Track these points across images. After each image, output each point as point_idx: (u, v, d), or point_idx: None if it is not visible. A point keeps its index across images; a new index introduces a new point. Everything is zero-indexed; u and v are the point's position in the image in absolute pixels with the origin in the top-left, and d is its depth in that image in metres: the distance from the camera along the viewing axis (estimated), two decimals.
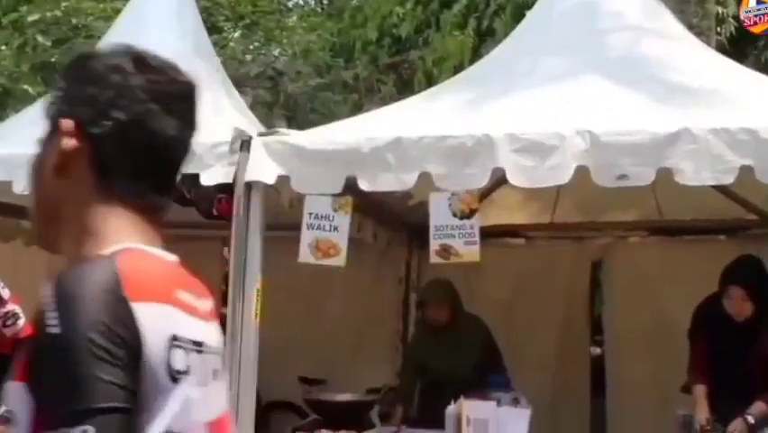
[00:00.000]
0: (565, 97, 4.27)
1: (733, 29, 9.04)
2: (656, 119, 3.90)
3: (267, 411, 6.29)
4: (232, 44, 9.53)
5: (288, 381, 6.30)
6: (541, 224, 6.80)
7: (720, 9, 8.67)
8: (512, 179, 3.95)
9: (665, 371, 5.84)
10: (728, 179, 3.71)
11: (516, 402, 4.48)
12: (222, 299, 7.21)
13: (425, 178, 4.10)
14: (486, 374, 4.98)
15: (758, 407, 4.20)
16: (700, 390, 4.39)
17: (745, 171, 3.74)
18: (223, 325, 4.38)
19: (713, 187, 5.59)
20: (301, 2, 18.62)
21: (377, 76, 8.93)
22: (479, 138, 3.97)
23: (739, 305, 4.37)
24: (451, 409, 4.37)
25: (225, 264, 8.11)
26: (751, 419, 4.18)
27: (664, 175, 3.88)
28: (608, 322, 6.93)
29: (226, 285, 7.00)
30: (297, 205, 4.51)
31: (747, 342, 4.36)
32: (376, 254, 6.71)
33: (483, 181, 3.98)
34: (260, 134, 4.38)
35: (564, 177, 3.86)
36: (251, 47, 9.77)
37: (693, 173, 3.73)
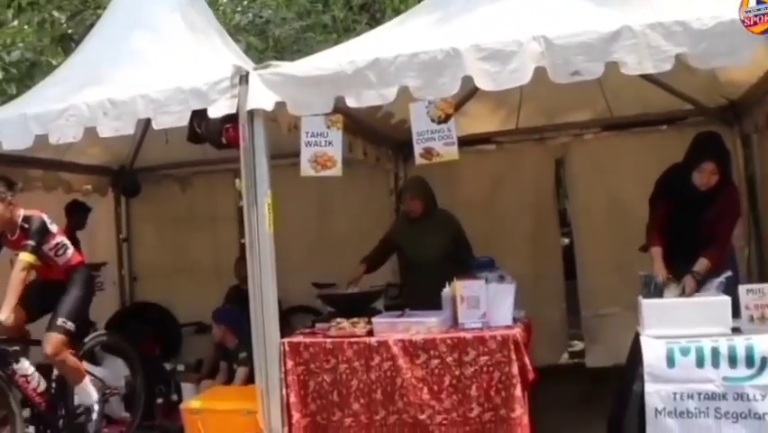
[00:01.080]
0: (520, 9, 4.21)
1: None
2: (600, 20, 3.86)
3: (288, 315, 6.38)
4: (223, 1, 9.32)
5: (303, 288, 6.37)
6: (508, 130, 6.79)
7: None
8: (479, 83, 3.93)
9: (624, 249, 5.91)
10: (666, 67, 3.69)
11: (501, 279, 4.53)
12: (239, 231, 7.36)
13: (403, 91, 4.10)
14: (457, 259, 5.07)
15: (702, 263, 4.22)
16: (657, 251, 4.38)
17: (680, 60, 3.73)
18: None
19: (653, 82, 5.65)
20: None
21: (352, 17, 8.81)
22: (447, 51, 3.95)
23: (708, 177, 4.30)
24: (446, 291, 4.44)
25: (238, 195, 8.20)
26: (698, 276, 4.21)
27: (611, 74, 3.87)
28: (573, 213, 6.98)
29: (240, 218, 7.13)
30: (293, 129, 4.50)
31: (702, 209, 4.34)
32: (367, 170, 6.73)
33: (455, 89, 3.97)
34: (256, 68, 4.34)
35: (525, 78, 3.85)
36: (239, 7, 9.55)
37: (636, 64, 3.72)
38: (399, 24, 4.80)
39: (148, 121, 4.52)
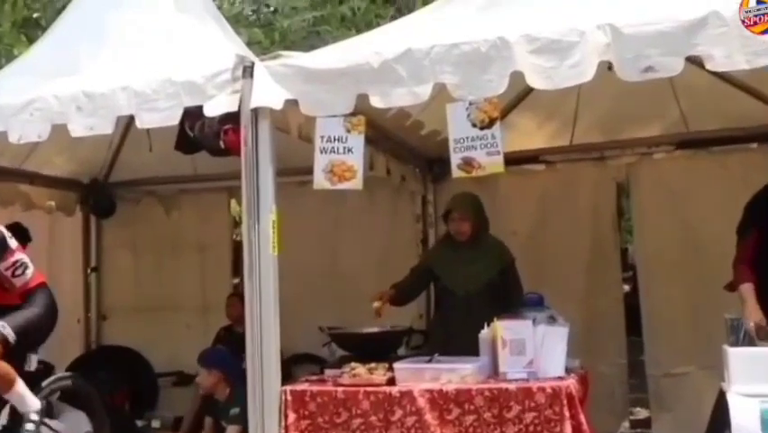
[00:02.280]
0: None
1: None
2: (680, 6, 3.85)
3: (289, 364, 6.34)
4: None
5: (309, 333, 6.33)
6: (560, 147, 6.78)
7: None
8: (531, 81, 3.93)
9: (702, 295, 5.85)
10: (763, 62, 3.66)
11: (552, 321, 4.49)
12: (233, 267, 7.35)
13: (439, 90, 4.10)
14: (502, 298, 5.05)
15: None
16: (748, 289, 4.31)
17: None
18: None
19: (740, 87, 5.62)
20: None
21: (375, 10, 8.88)
22: (493, 42, 3.95)
23: None
24: (484, 333, 4.41)
25: (233, 221, 8.23)
26: None
27: (689, 76, 3.84)
28: (639, 248, 6.92)
29: (234, 248, 7.13)
30: (305, 133, 4.52)
31: None
32: (390, 191, 6.74)
33: (502, 87, 3.96)
34: (263, 59, 4.36)
35: (587, 74, 3.84)
36: None
37: (724, 58, 3.69)
38: (435, 11, 4.83)
39: (129, 121, 4.55)
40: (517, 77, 3.95)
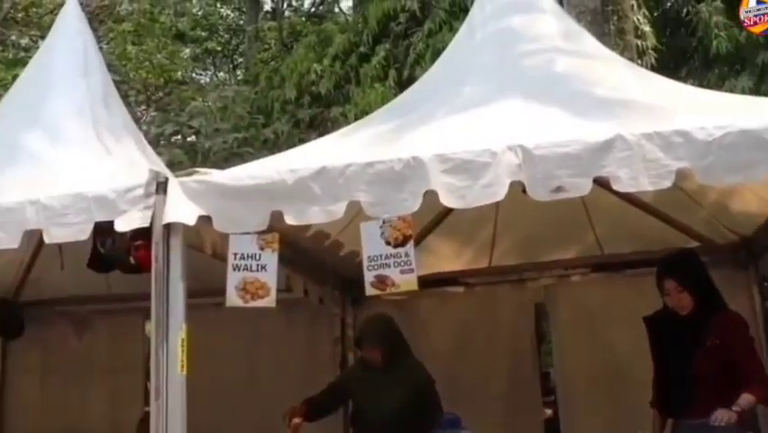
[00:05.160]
0: (493, 118, 4.34)
1: (653, 60, 9.43)
2: (587, 130, 3.97)
3: None
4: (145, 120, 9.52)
5: None
6: (479, 268, 6.83)
7: (640, 42, 9.04)
8: (445, 200, 3.96)
9: (620, 417, 5.85)
10: (666, 183, 3.78)
11: None
12: (146, 393, 7.11)
13: (357, 209, 4.11)
14: (416, 421, 4.97)
15: (745, 398, 4.24)
16: (654, 414, 4.60)
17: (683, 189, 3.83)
18: None
19: (652, 213, 5.79)
20: (216, 78, 18.82)
21: (298, 134, 8.99)
22: (407, 161, 3.99)
23: (676, 297, 4.55)
24: None
25: (148, 343, 7.99)
26: (737, 408, 4.20)
27: (602, 202, 3.92)
28: (558, 373, 6.92)
29: (148, 369, 6.91)
30: (219, 251, 4.46)
31: (695, 338, 4.48)
32: (309, 313, 6.65)
33: (415, 206, 3.99)
34: (178, 175, 4.34)
35: (499, 194, 3.89)
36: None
37: (630, 180, 3.80)
38: (350, 134, 4.89)
39: (42, 237, 4.44)
40: (433, 198, 4.00)
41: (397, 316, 5.49)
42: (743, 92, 9.25)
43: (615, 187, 3.84)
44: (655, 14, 11.19)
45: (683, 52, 11.47)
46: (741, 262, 6.09)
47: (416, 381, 5.22)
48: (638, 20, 9.67)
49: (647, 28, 10.34)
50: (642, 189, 3.86)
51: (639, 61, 8.54)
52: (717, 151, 3.68)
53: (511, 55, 4.96)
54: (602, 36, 6.95)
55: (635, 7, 9.37)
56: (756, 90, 9.58)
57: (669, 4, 11.48)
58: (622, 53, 6.92)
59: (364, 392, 5.22)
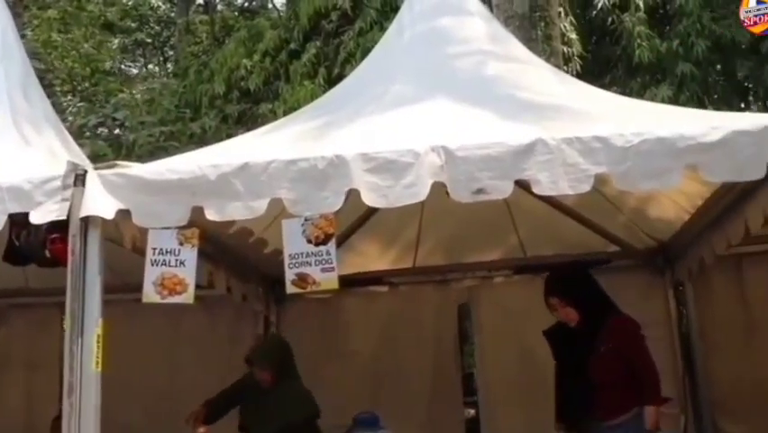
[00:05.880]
0: (417, 118, 4.35)
1: (579, 67, 9.58)
2: (510, 133, 4.00)
3: None
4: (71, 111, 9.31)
5: None
6: (403, 268, 6.84)
7: (566, 48, 9.17)
8: (367, 199, 3.94)
9: (540, 417, 5.92)
10: (584, 187, 3.82)
11: None
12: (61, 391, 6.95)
13: (282, 206, 4.07)
14: None
15: (650, 416, 4.48)
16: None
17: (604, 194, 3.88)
18: None
19: (574, 217, 5.87)
20: (146, 70, 18.52)
21: (226, 129, 8.89)
22: (330, 159, 3.96)
23: (562, 312, 4.86)
24: None
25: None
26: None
27: (525, 204, 3.96)
28: (480, 374, 6.97)
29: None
30: (139, 245, 4.38)
31: (588, 346, 4.72)
32: (232, 310, 6.59)
33: (338, 204, 3.96)
34: (97, 167, 4.24)
35: (421, 194, 3.88)
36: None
37: (550, 183, 3.83)
38: (275, 130, 4.85)
39: None
40: (358, 197, 3.98)
41: (319, 312, 5.47)
42: (663, 101, 9.44)
43: (535, 190, 3.86)
44: (582, 22, 11.35)
45: (608, 60, 11.66)
46: (658, 267, 6.22)
47: (301, 411, 5.27)
48: (565, 27, 9.81)
49: (574, 35, 10.50)
50: (561, 193, 3.90)
51: (565, 68, 8.66)
52: (634, 157, 3.73)
53: (439, 56, 4.98)
54: (529, 41, 7.03)
55: (563, 14, 9.50)
56: (675, 99, 9.79)
57: (594, 12, 11.62)
58: (548, 59, 6.99)
59: (252, 409, 5.32)
